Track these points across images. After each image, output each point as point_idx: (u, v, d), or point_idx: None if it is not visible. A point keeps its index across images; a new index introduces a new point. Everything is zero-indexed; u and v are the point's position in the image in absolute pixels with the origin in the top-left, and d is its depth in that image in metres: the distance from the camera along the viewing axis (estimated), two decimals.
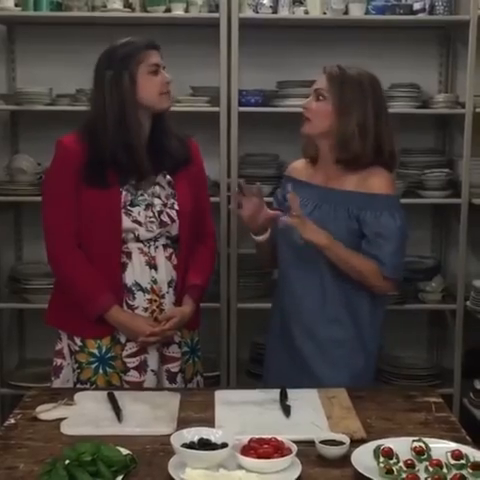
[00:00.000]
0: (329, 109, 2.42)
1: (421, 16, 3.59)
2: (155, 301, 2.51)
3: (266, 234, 2.55)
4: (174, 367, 2.56)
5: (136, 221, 2.47)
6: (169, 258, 2.54)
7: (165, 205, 2.52)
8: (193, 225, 2.54)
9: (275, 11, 3.56)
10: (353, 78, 2.42)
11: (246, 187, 2.49)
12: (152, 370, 2.52)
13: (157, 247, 2.51)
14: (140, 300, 2.49)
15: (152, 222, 2.49)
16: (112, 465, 1.75)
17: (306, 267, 2.47)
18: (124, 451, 1.82)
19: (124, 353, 2.50)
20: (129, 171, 2.46)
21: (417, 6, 3.58)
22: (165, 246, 2.53)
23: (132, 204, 2.47)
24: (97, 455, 1.75)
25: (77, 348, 2.52)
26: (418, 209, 3.74)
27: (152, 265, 2.50)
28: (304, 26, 3.75)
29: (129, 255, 2.49)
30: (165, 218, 2.51)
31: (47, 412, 2.13)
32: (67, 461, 1.74)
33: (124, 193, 2.46)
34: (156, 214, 2.49)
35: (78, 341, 2.52)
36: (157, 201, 2.51)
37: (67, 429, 2.03)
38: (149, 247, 2.50)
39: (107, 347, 2.50)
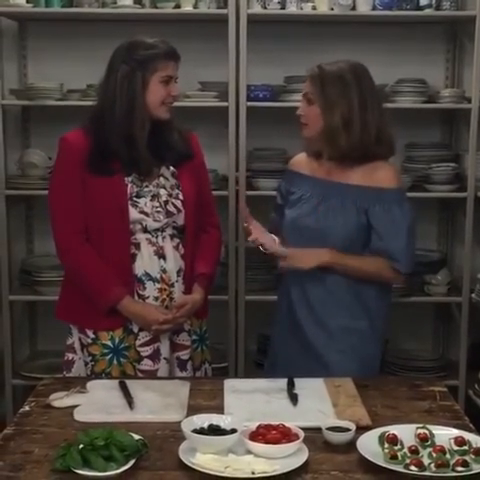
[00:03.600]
0: (318, 111, 2.45)
1: (428, 11, 3.61)
2: (165, 290, 2.55)
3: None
4: (184, 355, 2.60)
5: (143, 212, 2.50)
6: (176, 248, 2.57)
7: (170, 195, 2.55)
8: (198, 215, 2.58)
9: (283, 7, 3.60)
10: (333, 74, 2.43)
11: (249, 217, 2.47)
12: (165, 358, 2.55)
13: (164, 237, 2.55)
14: (150, 290, 2.53)
15: (159, 212, 2.52)
16: (124, 449, 1.78)
17: None
18: (136, 436, 1.85)
19: (137, 342, 2.54)
20: (130, 164, 2.49)
21: (424, 1, 3.60)
22: (172, 236, 2.57)
23: (138, 195, 2.51)
24: (110, 440, 1.79)
25: (90, 341, 2.55)
26: (424, 203, 3.77)
27: (160, 255, 2.54)
28: (312, 22, 3.77)
29: (138, 246, 2.52)
30: (171, 208, 2.54)
31: (60, 400, 2.17)
32: (81, 445, 1.78)
33: (130, 185, 2.50)
34: (162, 204, 2.53)
35: (90, 334, 2.55)
36: (162, 191, 2.54)
37: (80, 416, 2.07)
38: (157, 237, 2.54)
39: (120, 338, 2.53)
